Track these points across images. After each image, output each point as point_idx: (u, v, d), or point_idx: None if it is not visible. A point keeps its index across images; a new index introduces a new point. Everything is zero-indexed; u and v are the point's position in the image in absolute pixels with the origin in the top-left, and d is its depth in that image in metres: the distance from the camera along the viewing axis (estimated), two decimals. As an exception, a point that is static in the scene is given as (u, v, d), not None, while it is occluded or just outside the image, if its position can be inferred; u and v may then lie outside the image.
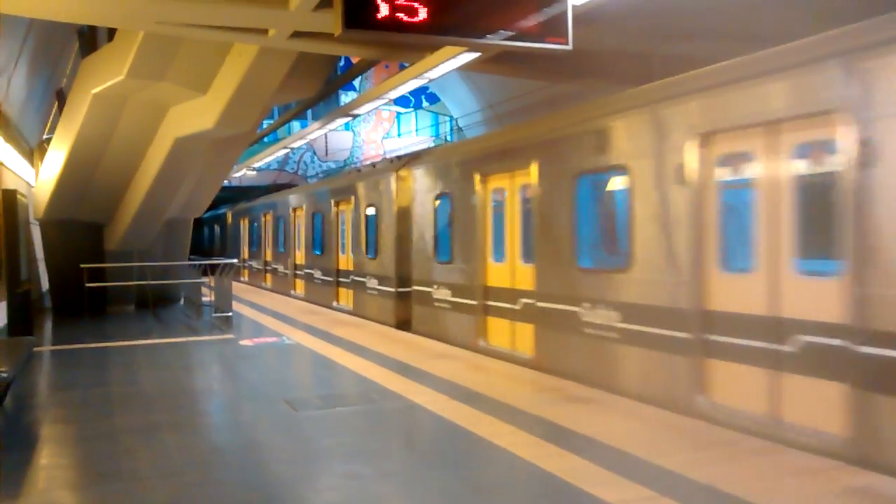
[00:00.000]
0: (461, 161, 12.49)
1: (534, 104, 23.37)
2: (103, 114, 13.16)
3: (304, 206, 22.05)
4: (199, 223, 42.87)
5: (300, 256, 22.76)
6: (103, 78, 12.15)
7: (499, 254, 11.50)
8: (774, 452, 5.73)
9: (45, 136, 18.65)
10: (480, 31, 6.48)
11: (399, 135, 37.91)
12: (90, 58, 13.13)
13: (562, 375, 8.90)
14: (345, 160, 37.81)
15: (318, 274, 20.69)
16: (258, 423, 7.11)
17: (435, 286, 13.28)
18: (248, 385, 9.07)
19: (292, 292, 22.99)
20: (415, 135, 37.49)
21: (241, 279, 30.55)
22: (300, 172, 37.49)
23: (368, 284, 16.47)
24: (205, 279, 17.77)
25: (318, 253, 20.61)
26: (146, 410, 7.58)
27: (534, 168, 10.01)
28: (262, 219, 27.58)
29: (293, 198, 23.60)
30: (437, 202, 13.30)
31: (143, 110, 13.24)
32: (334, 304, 19.08)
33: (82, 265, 15.74)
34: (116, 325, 15.01)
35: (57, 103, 16.00)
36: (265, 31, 8.90)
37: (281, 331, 13.39)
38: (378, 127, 38.05)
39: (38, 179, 16.50)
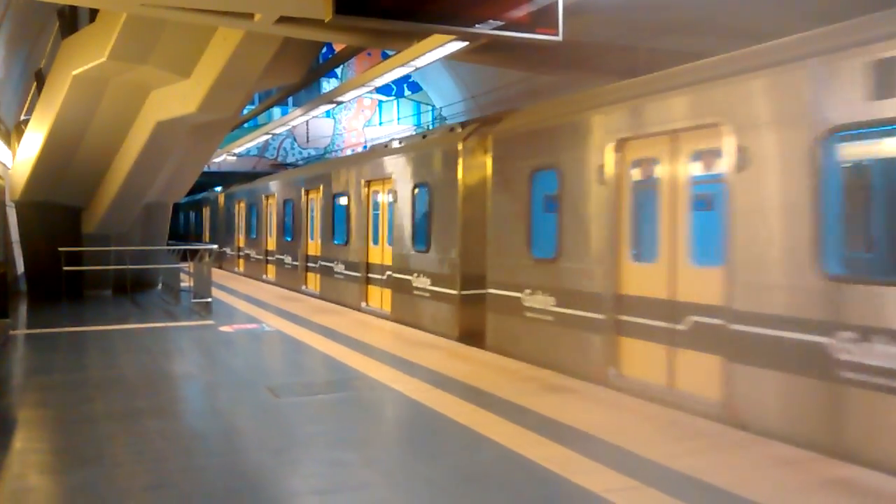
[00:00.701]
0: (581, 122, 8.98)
1: (516, 95, 23.42)
2: (83, 96, 12.99)
3: (321, 188, 18.18)
4: (182, 207, 42.13)
5: (313, 247, 19.33)
6: (84, 59, 11.99)
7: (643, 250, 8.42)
8: (755, 444, 5.80)
9: (22, 118, 18.38)
10: (472, 20, 6.46)
11: (380, 123, 37.77)
12: (71, 38, 12.95)
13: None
14: (325, 147, 37.63)
15: (339, 268, 17.08)
16: (240, 410, 7.08)
17: (528, 291, 9.97)
18: (229, 371, 9.02)
19: (304, 288, 19.59)
20: (396, 123, 37.37)
21: (236, 270, 27.84)
22: (280, 159, 37.26)
23: (416, 284, 13.10)
24: (184, 265, 17.62)
25: (338, 243, 17.10)
26: (126, 395, 7.52)
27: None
28: (264, 202, 23.97)
29: (305, 178, 19.86)
30: (532, 180, 9.94)
31: (124, 93, 13.09)
32: (363, 305, 15.69)
33: (60, 248, 15.56)
34: (93, 309, 14.87)
35: (35, 84, 15.76)
36: (251, 16, 8.82)
37: (260, 317, 13.33)
38: (359, 115, 37.88)
39: (14, 161, 16.27)
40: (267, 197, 23.73)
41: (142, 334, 11.53)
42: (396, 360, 9.27)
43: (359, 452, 5.66)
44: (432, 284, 12.55)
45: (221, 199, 31.10)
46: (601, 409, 6.94)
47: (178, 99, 12.52)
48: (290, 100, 26.99)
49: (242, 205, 27.11)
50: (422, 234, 13.09)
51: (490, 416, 6.62)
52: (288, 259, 21.26)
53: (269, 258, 23.59)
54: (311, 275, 19.47)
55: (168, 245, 20.10)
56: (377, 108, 38.04)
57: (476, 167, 11.66)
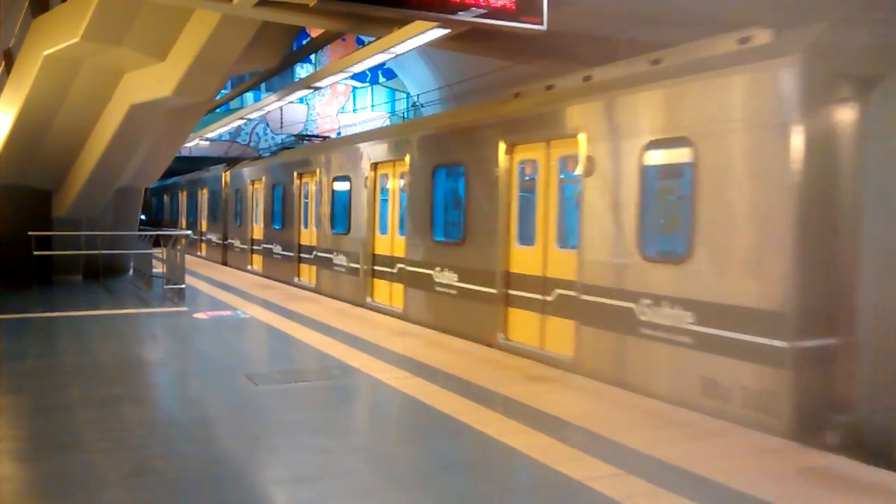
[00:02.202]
0: None
1: (492, 84, 23.38)
2: (55, 77, 12.76)
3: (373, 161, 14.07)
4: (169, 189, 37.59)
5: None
6: (56, 39, 11.77)
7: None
8: (732, 432, 5.88)
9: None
10: (455, 7, 6.44)
11: (354, 110, 37.56)
12: (42, 17, 12.71)
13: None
14: (299, 133, 37.35)
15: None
16: (218, 397, 7.03)
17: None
18: (205, 358, 8.96)
19: (368, 300, 14.32)
20: (370, 110, 37.18)
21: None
22: (252, 144, 36.93)
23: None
24: (156, 250, 17.41)
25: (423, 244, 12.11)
26: (101, 382, 7.42)
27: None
28: (296, 182, 18.10)
29: (356, 149, 14.97)
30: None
31: (97, 75, 12.87)
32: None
33: (30, 233, 15.30)
34: (64, 294, 14.66)
35: (4, 64, 15.43)
36: (230, -1, 8.72)
37: (235, 304, 13.24)
38: (333, 101, 37.62)
39: (-18, 143, 15.94)
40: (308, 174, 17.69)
41: (115, 320, 11.39)
42: (373, 348, 9.26)
43: (340, 440, 5.65)
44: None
45: (225, 180, 25.18)
46: (580, 397, 6.99)
47: (153, 82, 12.33)
48: (263, 85, 26.67)
49: (261, 185, 21.07)
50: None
51: (471, 404, 6.64)
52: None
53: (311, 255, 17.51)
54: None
55: (145, 230, 19.82)
56: (351, 94, 37.80)
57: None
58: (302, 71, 34.20)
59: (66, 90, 13.28)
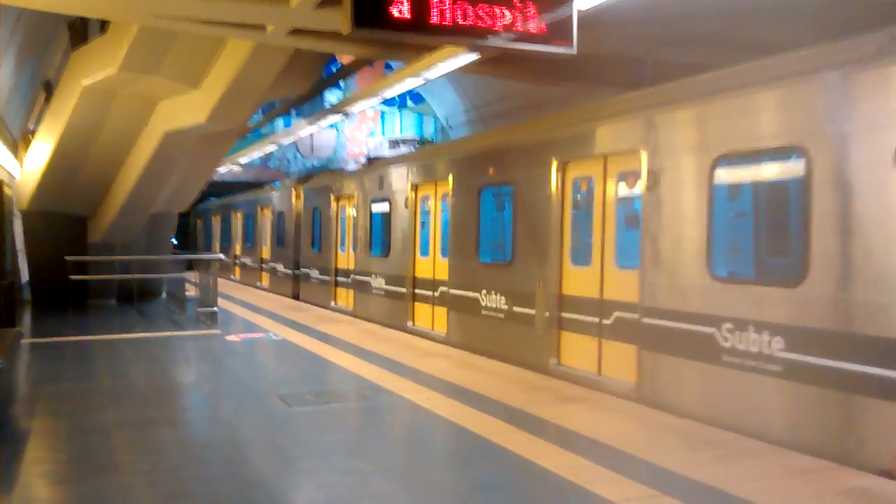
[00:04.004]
0: None
1: (518, 107, 23.50)
2: (92, 106, 13.05)
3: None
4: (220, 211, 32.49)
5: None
6: (94, 70, 12.06)
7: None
8: (768, 453, 5.82)
9: (30, 128, 18.45)
10: (485, 32, 6.53)
11: (383, 133, 37.85)
12: (81, 50, 13.02)
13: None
14: (328, 157, 37.68)
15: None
16: (252, 419, 7.09)
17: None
18: (238, 380, 9.04)
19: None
20: (399, 134, 37.44)
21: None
22: (282, 169, 37.33)
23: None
24: (188, 274, 17.63)
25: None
26: (138, 405, 7.53)
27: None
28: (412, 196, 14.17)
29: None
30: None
31: (132, 103, 13.16)
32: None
33: (66, 257, 15.58)
34: (99, 318, 14.88)
35: (44, 94, 15.83)
36: (263, 28, 8.89)
37: (267, 327, 13.35)
38: (362, 125, 37.95)
39: (22, 170, 16.32)
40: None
41: (149, 343, 11.54)
42: (404, 369, 9.29)
43: (374, 462, 5.67)
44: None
45: (297, 197, 21.26)
46: (612, 417, 6.95)
47: (187, 109, 12.58)
48: (293, 111, 27.01)
49: (352, 203, 17.26)
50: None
51: (503, 425, 6.64)
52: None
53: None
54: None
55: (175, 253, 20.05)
56: (380, 118, 38.12)
57: None
58: (331, 96, 34.59)
59: (103, 120, 13.58)
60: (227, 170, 28.13)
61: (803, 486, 5.07)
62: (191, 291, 16.56)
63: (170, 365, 10.00)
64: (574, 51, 6.65)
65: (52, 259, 15.78)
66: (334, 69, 18.70)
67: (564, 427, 6.59)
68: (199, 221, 37.37)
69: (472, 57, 9.08)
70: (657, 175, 7.65)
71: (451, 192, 12.28)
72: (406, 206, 13.99)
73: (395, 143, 21.85)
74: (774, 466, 5.49)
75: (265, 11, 8.22)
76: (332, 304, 17.96)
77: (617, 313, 8.61)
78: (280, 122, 31.26)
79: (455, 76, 28.83)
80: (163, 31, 10.59)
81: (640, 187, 7.99)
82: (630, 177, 8.42)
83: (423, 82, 11.32)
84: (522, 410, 7.21)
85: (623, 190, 8.54)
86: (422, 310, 13.58)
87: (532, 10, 6.45)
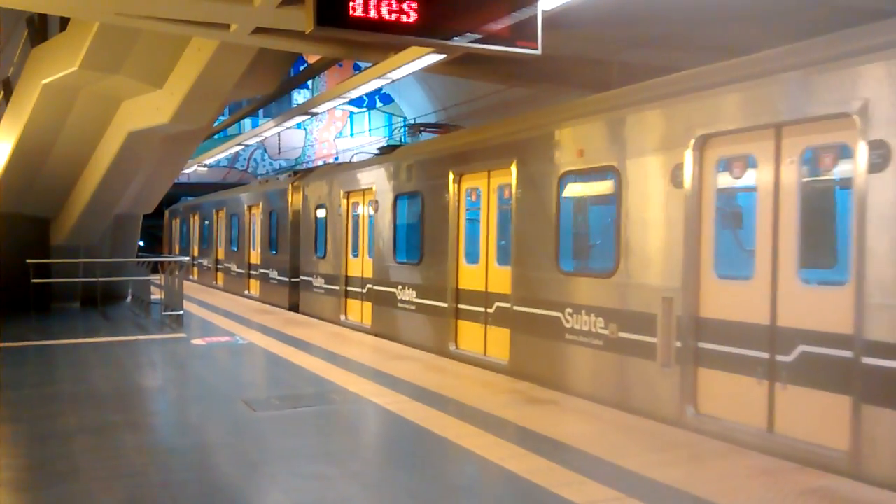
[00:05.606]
0: None
1: (487, 107, 23.55)
2: (53, 105, 12.82)
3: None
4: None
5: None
6: (55, 68, 11.84)
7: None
8: (732, 454, 5.86)
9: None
10: (450, 33, 6.50)
11: (352, 134, 37.73)
12: (41, 47, 12.80)
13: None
14: (296, 159, 37.47)
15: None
16: (217, 424, 7.00)
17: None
18: (203, 385, 8.92)
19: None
20: (367, 134, 37.35)
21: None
22: (249, 170, 37.05)
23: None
24: (155, 277, 17.40)
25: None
26: (100, 410, 7.39)
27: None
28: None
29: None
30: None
31: (95, 103, 12.94)
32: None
33: (29, 260, 15.30)
34: (63, 322, 14.63)
35: (3, 93, 15.52)
36: (227, 26, 8.78)
37: (234, 330, 13.21)
38: (331, 126, 37.80)
39: (-20, 171, 16.00)
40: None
41: (113, 347, 11.36)
42: (371, 373, 9.24)
43: (339, 466, 5.62)
44: None
45: (293, 191, 18.52)
46: (577, 419, 6.97)
47: (151, 109, 12.39)
48: (261, 111, 26.82)
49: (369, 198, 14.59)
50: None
51: (470, 427, 6.62)
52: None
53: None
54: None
55: (139, 256, 19.78)
56: (348, 119, 37.99)
57: None
58: (299, 97, 34.39)
59: (65, 118, 13.34)
60: (192, 170, 27.75)
61: (767, 486, 5.11)
62: (156, 294, 16.37)
63: (134, 369, 9.85)
64: (539, 51, 6.65)
65: (14, 262, 15.47)
66: (302, 69, 18.55)
67: (529, 429, 6.58)
68: (174, 222, 34.34)
69: (438, 57, 9.05)
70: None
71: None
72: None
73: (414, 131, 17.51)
74: (739, 467, 5.53)
75: (228, 10, 8.12)
76: (343, 318, 15.46)
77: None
78: (248, 123, 31.02)
79: (423, 77, 28.86)
80: (125, 30, 10.43)
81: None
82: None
83: (389, 82, 11.26)
84: (490, 413, 7.19)
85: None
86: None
87: (497, 10, 6.44)
